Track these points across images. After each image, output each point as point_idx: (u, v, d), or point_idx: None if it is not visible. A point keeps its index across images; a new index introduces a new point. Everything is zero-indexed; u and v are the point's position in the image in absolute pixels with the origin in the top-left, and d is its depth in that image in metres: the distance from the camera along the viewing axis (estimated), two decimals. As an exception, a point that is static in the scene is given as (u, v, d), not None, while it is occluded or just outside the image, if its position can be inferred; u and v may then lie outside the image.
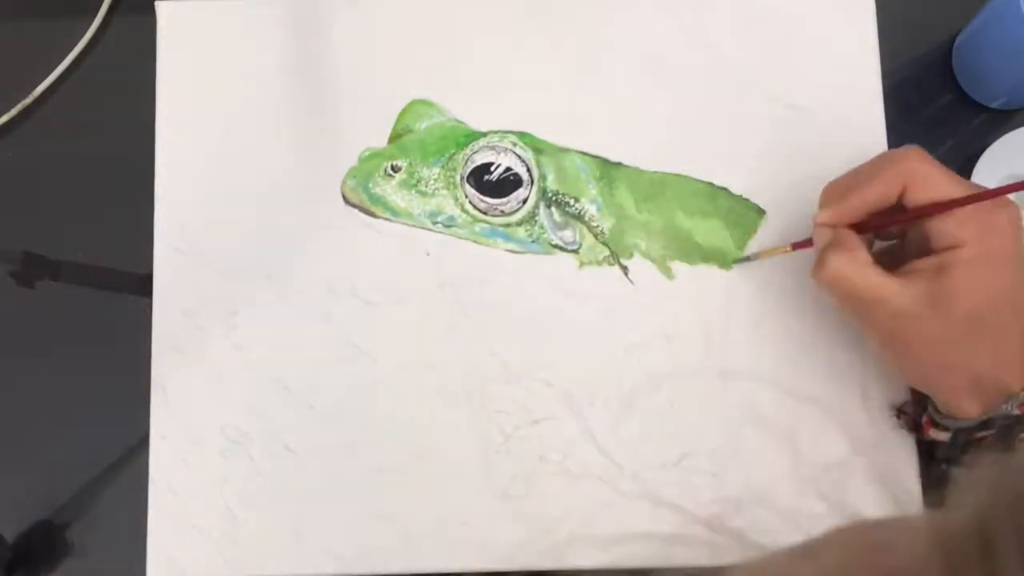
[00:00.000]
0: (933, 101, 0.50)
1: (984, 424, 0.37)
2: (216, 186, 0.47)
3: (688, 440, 0.44)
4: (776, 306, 0.45)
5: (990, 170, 0.47)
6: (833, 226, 0.38)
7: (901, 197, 0.37)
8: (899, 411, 0.43)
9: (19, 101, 0.50)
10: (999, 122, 0.49)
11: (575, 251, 0.46)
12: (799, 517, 0.43)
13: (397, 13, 0.48)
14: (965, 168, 0.47)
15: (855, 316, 0.38)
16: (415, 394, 0.45)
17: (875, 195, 0.37)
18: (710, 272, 0.45)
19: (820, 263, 0.38)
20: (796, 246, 0.41)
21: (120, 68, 0.51)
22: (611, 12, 0.47)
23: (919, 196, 0.36)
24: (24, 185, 0.50)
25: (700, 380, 0.44)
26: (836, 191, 0.39)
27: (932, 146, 0.48)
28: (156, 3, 0.48)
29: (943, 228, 0.36)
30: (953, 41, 0.50)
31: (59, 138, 0.51)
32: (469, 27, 0.48)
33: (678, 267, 0.45)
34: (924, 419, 0.40)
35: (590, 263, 0.45)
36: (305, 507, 0.44)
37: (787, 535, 0.44)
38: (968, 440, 0.37)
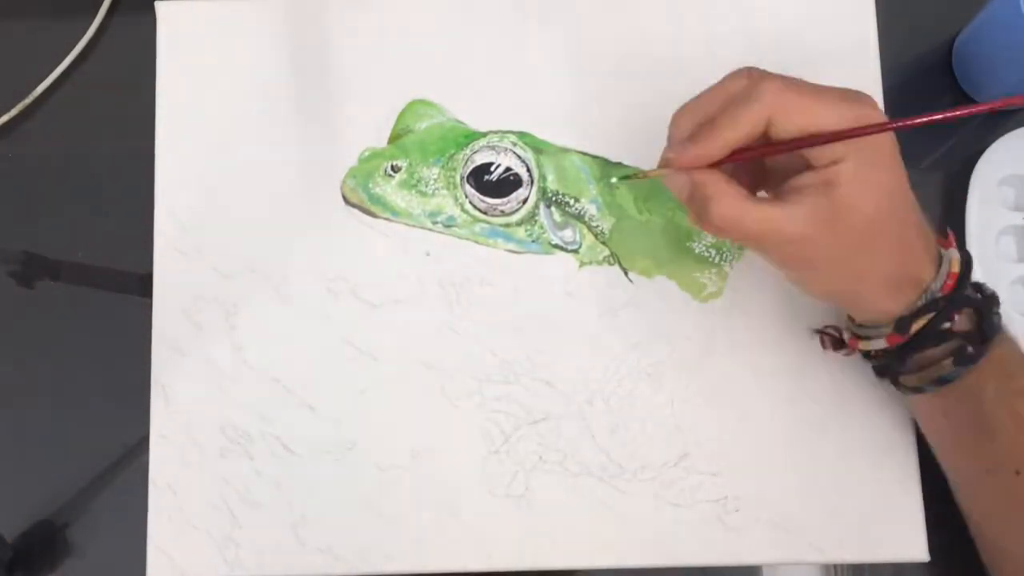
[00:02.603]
0: (933, 101, 0.50)
1: (903, 322, 0.37)
2: (216, 186, 0.47)
3: (688, 440, 0.44)
4: (776, 305, 0.45)
5: (990, 170, 0.47)
6: (690, 167, 0.36)
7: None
8: (820, 332, 0.43)
9: (19, 101, 0.50)
10: (999, 122, 0.49)
11: (575, 251, 0.46)
12: (799, 517, 0.43)
13: (397, 13, 0.48)
14: (965, 168, 0.47)
15: (755, 250, 0.38)
16: (415, 394, 0.45)
17: (739, 136, 0.35)
18: (710, 272, 0.45)
19: (700, 216, 0.36)
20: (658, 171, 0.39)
21: (120, 68, 0.51)
22: (611, 12, 0.47)
23: (785, 129, 0.35)
24: (24, 185, 0.50)
25: (700, 380, 0.44)
26: (688, 124, 0.37)
27: (932, 146, 0.49)
28: (156, 3, 0.48)
29: (820, 148, 0.35)
30: (953, 41, 0.50)
31: (59, 138, 0.51)
32: (469, 27, 0.48)
33: (678, 267, 0.45)
34: (847, 336, 0.40)
35: (590, 263, 0.45)
36: (305, 507, 0.44)
37: (787, 535, 0.44)
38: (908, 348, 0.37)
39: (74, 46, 0.51)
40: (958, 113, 0.34)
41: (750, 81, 0.36)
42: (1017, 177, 0.47)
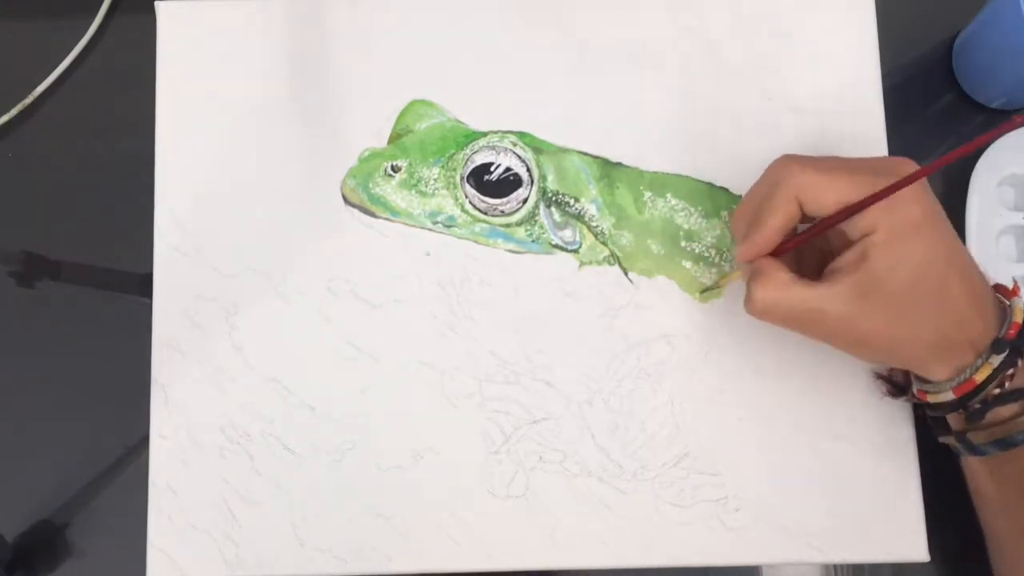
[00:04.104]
0: (933, 101, 0.50)
1: (976, 390, 0.37)
2: (216, 186, 0.47)
3: (688, 440, 0.44)
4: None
5: (990, 170, 0.47)
6: (752, 260, 0.39)
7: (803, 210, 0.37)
8: (881, 378, 0.43)
9: (19, 101, 0.50)
10: (999, 122, 0.48)
11: (575, 251, 0.46)
12: (799, 517, 0.43)
13: (397, 13, 0.48)
14: (965, 168, 0.47)
15: (803, 333, 0.39)
16: (415, 394, 0.45)
17: (779, 222, 0.37)
18: (710, 272, 0.45)
19: (747, 298, 0.39)
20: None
21: (120, 68, 0.51)
22: (611, 12, 0.47)
23: (817, 208, 0.37)
24: (24, 185, 0.50)
25: (700, 380, 0.44)
26: (743, 222, 0.39)
27: (932, 146, 0.49)
28: (156, 3, 0.48)
29: (851, 220, 0.36)
30: (953, 41, 0.50)
31: (59, 138, 0.51)
32: (469, 27, 0.48)
33: (678, 267, 0.45)
34: (915, 388, 0.41)
35: (590, 263, 0.45)
36: (305, 507, 0.44)
37: (787, 535, 0.44)
38: (970, 406, 0.38)
39: (74, 46, 0.51)
40: (970, 147, 0.34)
41: (779, 169, 0.38)
42: (1017, 177, 0.47)
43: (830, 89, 0.46)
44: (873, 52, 0.46)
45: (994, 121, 0.49)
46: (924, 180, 0.36)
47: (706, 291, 0.45)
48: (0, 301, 0.49)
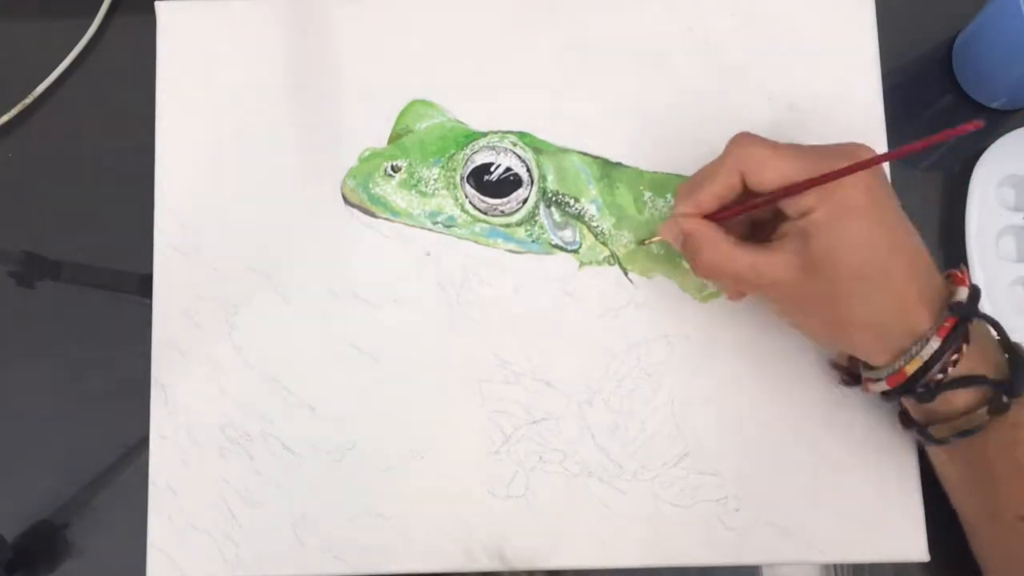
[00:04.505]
0: (933, 101, 0.50)
1: (915, 376, 0.37)
2: (216, 186, 0.47)
3: (688, 440, 0.44)
4: (776, 306, 0.45)
5: (990, 170, 0.47)
6: (688, 217, 0.39)
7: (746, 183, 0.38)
8: (837, 367, 0.44)
9: (19, 101, 0.50)
10: (999, 122, 0.49)
11: (575, 251, 0.46)
12: (799, 517, 0.43)
13: (397, 13, 0.48)
14: (965, 168, 0.47)
15: (751, 294, 0.40)
16: (415, 395, 0.45)
17: (720, 188, 0.38)
18: (710, 272, 0.45)
19: (693, 261, 0.39)
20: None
21: (120, 68, 0.51)
22: (611, 12, 0.47)
23: (757, 181, 0.37)
24: (24, 185, 0.50)
25: (700, 380, 0.44)
26: (688, 185, 0.40)
27: (931, 147, 0.49)
28: (156, 3, 0.48)
29: (792, 200, 0.37)
30: (953, 41, 0.50)
31: (59, 138, 0.51)
32: (469, 27, 0.48)
33: (678, 267, 0.45)
34: (863, 377, 0.41)
35: (590, 263, 0.45)
36: (305, 507, 0.44)
37: (787, 535, 0.44)
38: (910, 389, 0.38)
39: (74, 46, 0.51)
40: (908, 150, 0.35)
41: (734, 139, 0.39)
42: (1017, 177, 0.47)
43: (830, 89, 0.46)
44: (873, 52, 0.46)
45: (994, 121, 0.49)
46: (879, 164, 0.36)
47: (641, 243, 0.45)
48: (0, 301, 0.49)
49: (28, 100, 0.50)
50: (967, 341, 0.36)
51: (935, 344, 0.36)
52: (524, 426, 0.44)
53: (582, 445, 0.44)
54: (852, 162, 0.35)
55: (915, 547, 0.43)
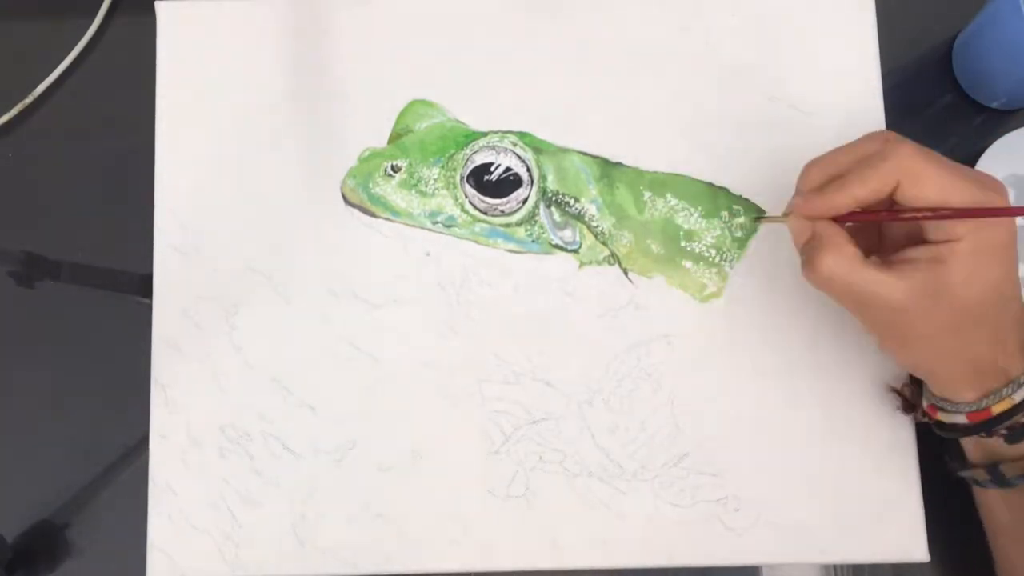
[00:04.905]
0: (933, 101, 0.50)
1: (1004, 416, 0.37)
2: (216, 186, 0.47)
3: (688, 440, 0.44)
4: (776, 306, 0.45)
5: (990, 170, 0.47)
6: (814, 219, 0.37)
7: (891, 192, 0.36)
8: (895, 391, 0.43)
9: (19, 101, 0.50)
10: (999, 122, 0.49)
11: (575, 251, 0.46)
12: (799, 517, 0.43)
13: (397, 13, 0.48)
14: (965, 168, 0.47)
15: (852, 310, 0.38)
16: (415, 394, 0.45)
17: (866, 193, 0.35)
18: (710, 272, 0.45)
19: (810, 264, 0.37)
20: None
21: (120, 68, 0.51)
22: (611, 12, 0.47)
23: (911, 195, 0.35)
24: (24, 185, 0.50)
25: (700, 380, 0.44)
26: (818, 177, 0.37)
27: (932, 146, 0.49)
28: (156, 3, 0.48)
29: (939, 222, 0.35)
30: (953, 41, 0.50)
31: (59, 138, 0.51)
32: (469, 27, 0.48)
33: (678, 267, 0.45)
34: (926, 403, 0.40)
35: (590, 263, 0.45)
36: (305, 507, 0.44)
37: (787, 535, 0.44)
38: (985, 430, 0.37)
39: (74, 46, 0.51)
40: None
41: (885, 143, 0.36)
42: (1017, 177, 0.47)
43: (830, 89, 0.46)
44: (873, 52, 0.46)
45: (994, 121, 0.49)
46: (1008, 199, 0.36)
47: (759, 219, 0.44)
48: (0, 301, 0.49)
49: (28, 100, 0.50)
50: None
51: (1022, 394, 0.36)
52: (524, 426, 0.44)
53: (582, 445, 0.44)
54: (1000, 190, 0.35)
55: (915, 547, 0.43)
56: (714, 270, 0.45)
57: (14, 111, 0.50)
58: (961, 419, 0.38)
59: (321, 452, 0.44)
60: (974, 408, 0.37)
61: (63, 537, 0.47)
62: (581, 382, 0.44)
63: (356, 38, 0.48)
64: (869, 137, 0.37)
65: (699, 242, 0.45)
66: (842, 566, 0.45)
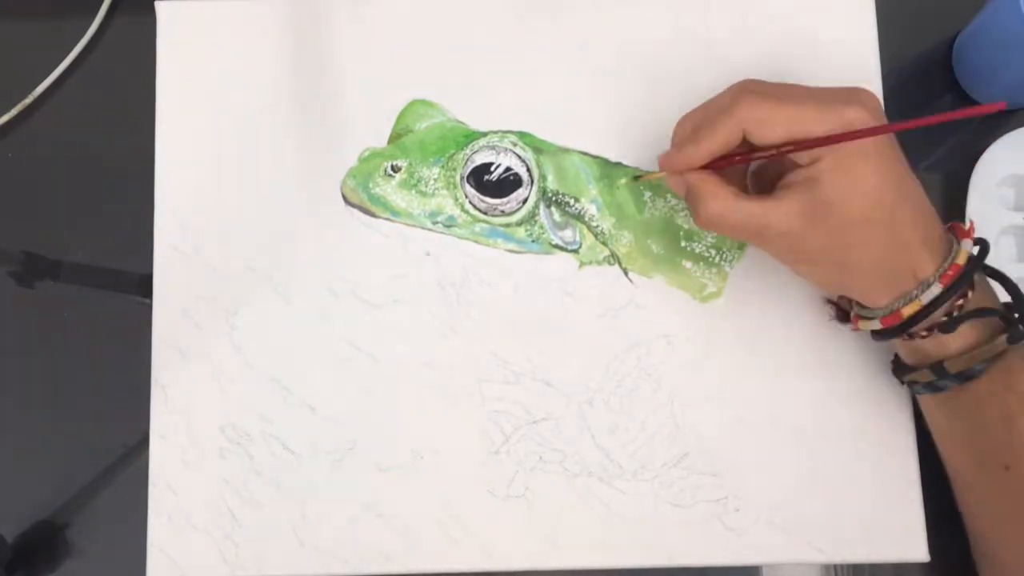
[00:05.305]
0: (933, 101, 0.50)
1: (917, 315, 0.37)
2: (216, 186, 0.47)
3: (688, 440, 0.44)
4: (776, 305, 0.45)
5: (990, 170, 0.47)
6: (680, 171, 0.39)
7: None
8: (830, 302, 0.44)
9: (19, 101, 0.50)
10: (999, 122, 0.49)
11: (575, 251, 0.46)
12: (799, 517, 0.43)
13: (397, 13, 0.48)
14: (965, 168, 0.47)
15: (754, 244, 0.40)
16: (415, 394, 0.45)
17: (717, 145, 0.38)
18: (710, 272, 0.45)
19: (695, 211, 0.39)
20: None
21: (120, 68, 0.51)
22: (611, 12, 0.47)
23: (762, 139, 0.37)
24: (24, 185, 0.50)
25: (700, 380, 0.44)
26: (687, 128, 0.40)
27: (932, 146, 0.49)
28: (156, 3, 0.48)
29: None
30: (953, 41, 0.50)
31: (59, 138, 0.51)
32: (469, 27, 0.48)
33: (678, 267, 0.45)
34: (852, 313, 0.41)
35: (590, 263, 0.45)
36: (305, 507, 0.44)
37: (787, 535, 0.44)
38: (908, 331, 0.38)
39: (74, 46, 0.51)
40: (914, 124, 0.35)
41: (733, 96, 0.38)
42: (1017, 177, 0.47)
43: (830, 89, 0.46)
44: (873, 52, 0.46)
45: (994, 121, 0.49)
46: (880, 106, 0.37)
47: (634, 179, 0.45)
48: (0, 301, 0.49)
49: (28, 100, 0.50)
50: (972, 289, 0.37)
51: (936, 290, 0.37)
52: (524, 426, 0.44)
53: (582, 445, 0.44)
54: (854, 105, 0.36)
55: (915, 547, 0.43)
56: (714, 270, 0.45)
57: (14, 111, 0.50)
58: (876, 325, 0.39)
59: (321, 452, 0.44)
60: (885, 312, 0.38)
61: (63, 537, 0.47)
62: (581, 382, 0.44)
63: (356, 38, 0.48)
64: (727, 90, 0.39)
65: (699, 242, 0.45)
66: (842, 566, 0.45)
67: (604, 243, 0.46)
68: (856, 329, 0.41)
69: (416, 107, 0.47)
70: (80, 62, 0.51)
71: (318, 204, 0.46)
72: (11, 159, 0.51)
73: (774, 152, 0.37)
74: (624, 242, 0.45)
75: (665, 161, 0.40)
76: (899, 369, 0.42)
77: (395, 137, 0.47)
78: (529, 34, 0.47)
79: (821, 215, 0.37)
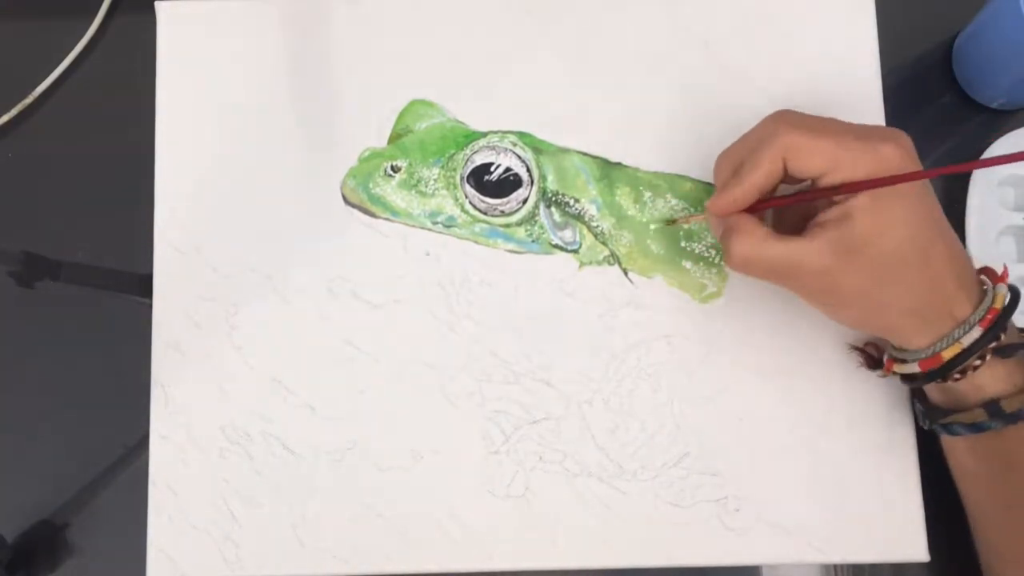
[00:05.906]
0: (933, 101, 0.50)
1: (965, 353, 0.37)
2: (216, 186, 0.47)
3: (688, 440, 0.44)
4: (776, 305, 0.45)
5: (990, 170, 0.47)
6: (728, 214, 0.39)
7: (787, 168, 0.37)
8: (857, 349, 0.44)
9: (19, 101, 0.50)
10: (999, 122, 0.49)
11: (575, 251, 0.46)
12: (799, 517, 0.43)
13: (397, 13, 0.48)
14: (965, 168, 0.47)
15: (786, 287, 0.39)
16: (415, 394, 0.45)
17: (760, 179, 0.37)
18: (710, 272, 0.45)
19: (726, 253, 0.38)
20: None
21: (120, 68, 0.51)
22: (611, 12, 0.47)
23: (800, 169, 0.37)
24: (24, 185, 0.50)
25: (700, 380, 0.44)
26: (728, 168, 0.39)
27: (932, 146, 0.49)
28: (156, 3, 0.48)
29: (834, 181, 0.36)
30: (953, 41, 0.50)
31: (59, 138, 0.51)
32: (469, 27, 0.48)
33: (678, 267, 0.45)
34: (886, 357, 0.41)
35: (590, 263, 0.45)
36: (305, 507, 0.44)
37: (788, 535, 0.44)
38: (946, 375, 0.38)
39: (74, 46, 0.51)
40: (965, 168, 0.35)
41: (772, 124, 0.37)
42: (1017, 177, 0.47)
43: (830, 89, 0.46)
44: (873, 52, 0.46)
45: (994, 121, 0.49)
46: (912, 146, 0.37)
47: (670, 223, 0.45)
48: (0, 301, 0.49)
49: (28, 100, 0.50)
50: (1004, 332, 0.37)
51: (977, 332, 0.36)
52: (524, 426, 0.44)
53: (582, 445, 0.44)
54: (890, 143, 0.36)
55: (915, 547, 0.43)
56: (714, 270, 0.45)
57: (14, 111, 0.50)
58: (915, 368, 0.38)
59: (321, 452, 0.44)
60: (925, 355, 0.38)
61: (63, 537, 0.47)
62: (581, 382, 0.44)
63: (356, 38, 0.48)
64: (764, 121, 0.39)
65: (699, 242, 0.45)
66: (842, 566, 0.45)
67: (604, 243, 0.46)
68: (887, 374, 0.41)
69: (416, 107, 0.47)
70: (80, 62, 0.51)
71: (318, 204, 0.46)
72: (11, 159, 0.51)
73: (824, 192, 0.36)
74: (624, 242, 0.45)
75: (712, 206, 0.39)
76: (932, 412, 0.40)
77: (395, 137, 0.47)
78: (529, 34, 0.47)
79: (856, 252, 0.36)
